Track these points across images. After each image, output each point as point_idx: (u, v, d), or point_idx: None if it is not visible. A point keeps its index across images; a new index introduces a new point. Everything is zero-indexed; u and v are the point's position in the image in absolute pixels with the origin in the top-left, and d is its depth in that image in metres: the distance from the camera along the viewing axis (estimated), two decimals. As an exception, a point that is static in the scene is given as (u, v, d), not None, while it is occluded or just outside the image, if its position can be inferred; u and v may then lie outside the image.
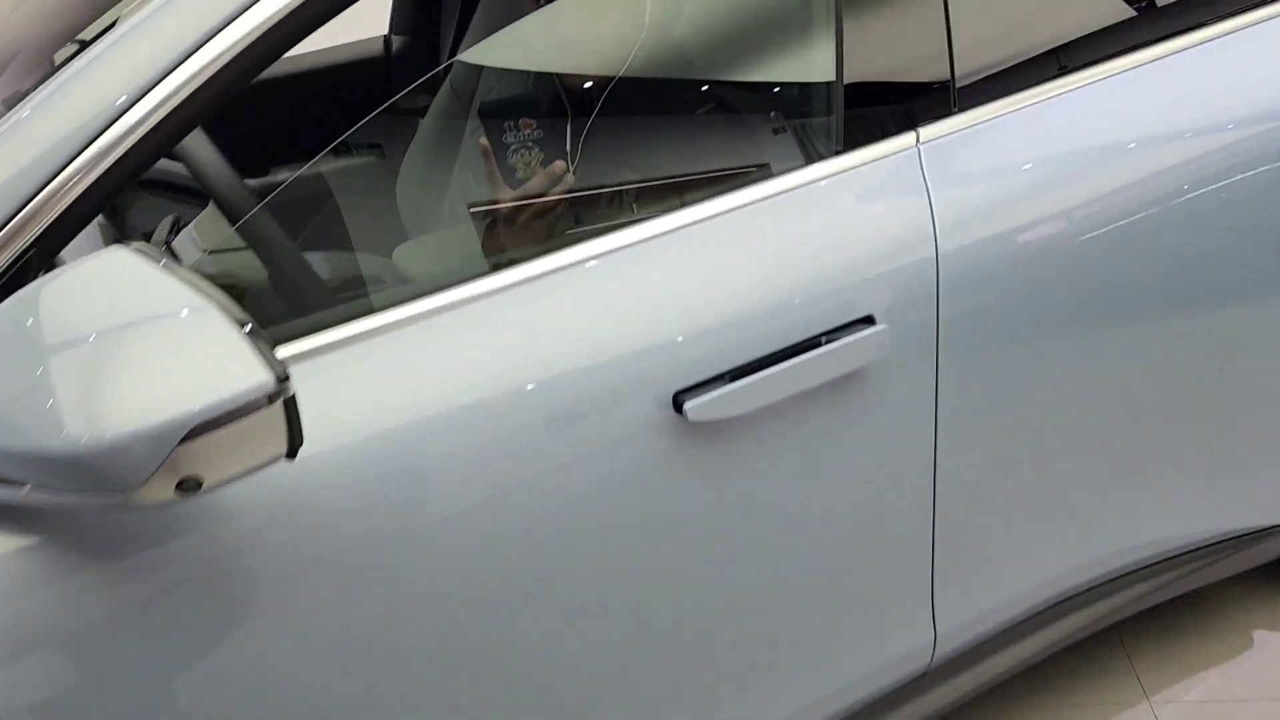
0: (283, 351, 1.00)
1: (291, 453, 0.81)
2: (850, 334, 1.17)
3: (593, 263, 1.13)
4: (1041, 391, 1.35)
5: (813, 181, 1.21)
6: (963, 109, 1.28)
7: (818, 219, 1.20)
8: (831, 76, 1.24)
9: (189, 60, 0.96)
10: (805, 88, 1.30)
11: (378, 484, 1.01)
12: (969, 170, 1.27)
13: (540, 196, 1.30)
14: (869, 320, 1.19)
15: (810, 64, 1.27)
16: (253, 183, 2.04)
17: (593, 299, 1.11)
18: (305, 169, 1.86)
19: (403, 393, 1.03)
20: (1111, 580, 1.60)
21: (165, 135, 0.96)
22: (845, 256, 1.20)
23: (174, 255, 1.37)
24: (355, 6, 1.04)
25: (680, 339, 1.12)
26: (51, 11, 1.37)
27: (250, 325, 0.78)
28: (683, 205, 1.19)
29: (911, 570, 1.36)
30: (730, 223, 1.18)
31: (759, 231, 1.18)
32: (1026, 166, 1.29)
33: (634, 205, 1.35)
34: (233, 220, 1.25)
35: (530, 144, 1.30)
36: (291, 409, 0.79)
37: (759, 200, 1.19)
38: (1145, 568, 1.63)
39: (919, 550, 1.34)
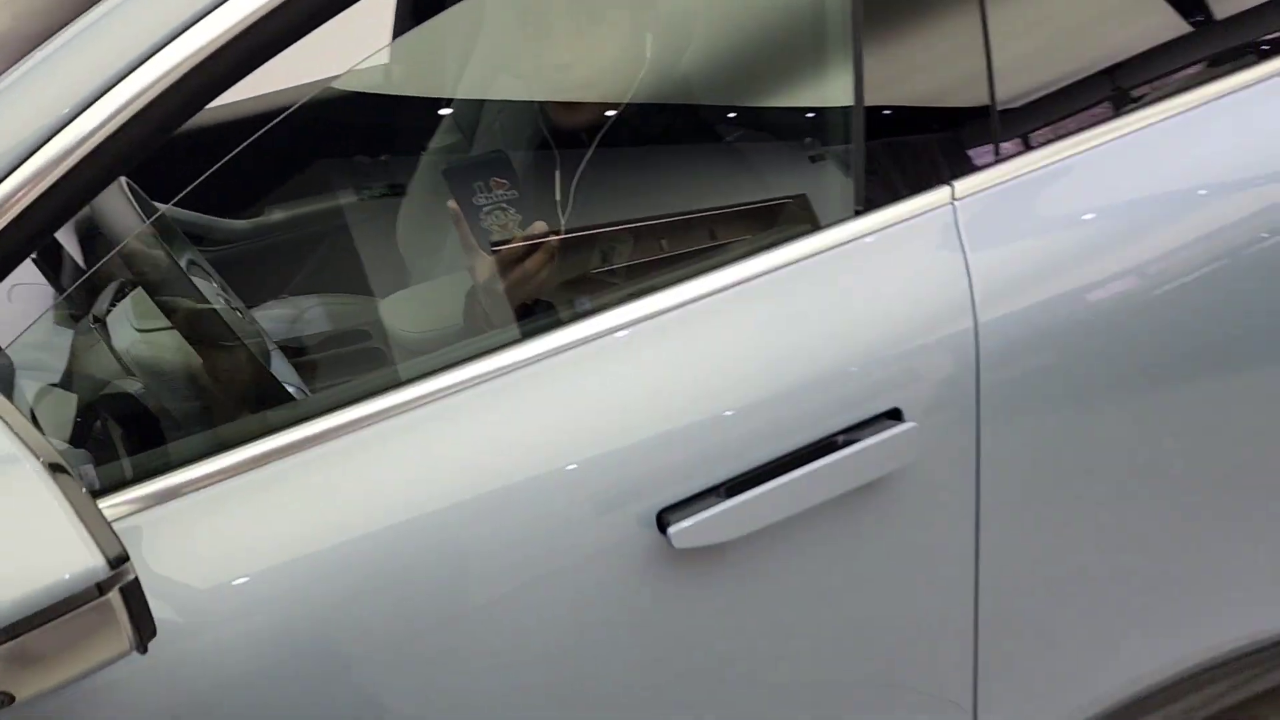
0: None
1: (142, 646, 0.64)
2: (873, 432, 0.98)
3: (567, 354, 0.95)
4: (1104, 481, 1.14)
5: (826, 249, 1.02)
6: (1005, 158, 1.08)
7: (831, 293, 1.02)
8: (848, 128, 1.05)
9: (139, 70, 0.82)
10: (820, 138, 1.11)
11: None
12: (1013, 229, 1.07)
13: (518, 263, 1.13)
14: (895, 415, 1.00)
15: (825, 117, 1.09)
16: (245, 224, 1.89)
17: (563, 393, 0.94)
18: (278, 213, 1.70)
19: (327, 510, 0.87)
20: (1178, 683, 1.38)
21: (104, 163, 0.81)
22: (865, 338, 1.01)
23: (106, 331, 1.20)
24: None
25: (664, 442, 0.94)
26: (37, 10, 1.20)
27: (84, 483, 0.61)
28: (673, 278, 1.00)
29: (948, 693, 1.16)
30: (725, 301, 0.99)
31: (759, 311, 1.00)
32: (1082, 221, 1.09)
33: (616, 273, 1.17)
34: (153, 293, 1.08)
35: (504, 205, 1.13)
36: (133, 597, 0.61)
37: (760, 274, 1.00)
38: (1217, 666, 1.41)
39: (957, 674, 1.14)
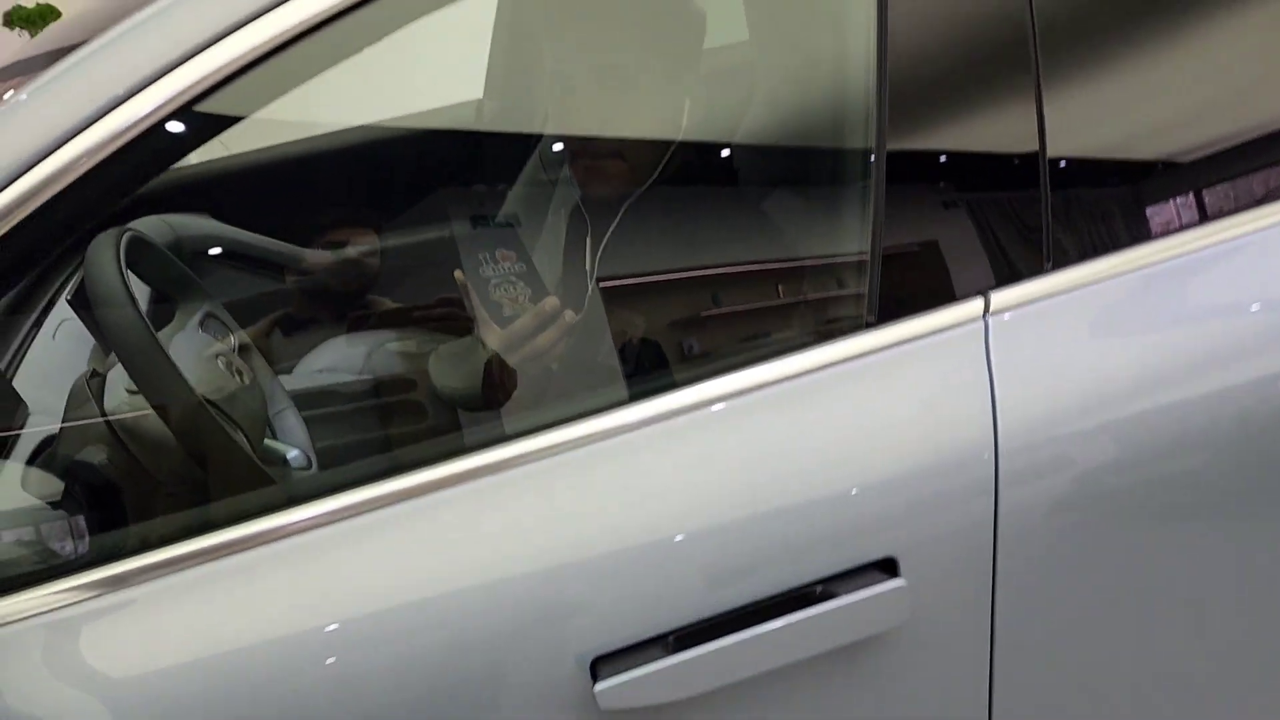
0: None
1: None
2: (858, 586, 0.84)
3: (534, 464, 0.85)
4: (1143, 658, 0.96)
5: (827, 365, 0.89)
6: (1059, 265, 0.92)
7: (827, 416, 0.88)
8: (866, 222, 0.91)
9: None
10: (833, 234, 0.98)
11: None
12: (1059, 353, 0.90)
13: (524, 341, 1.06)
14: (889, 566, 0.86)
15: (841, 213, 0.95)
16: (320, 255, 1.87)
17: (515, 504, 0.84)
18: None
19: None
20: None
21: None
22: (858, 472, 0.87)
23: (103, 386, 1.17)
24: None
25: (608, 574, 0.82)
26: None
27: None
28: (653, 388, 0.89)
29: None
30: (704, 419, 0.87)
31: (733, 432, 0.87)
32: (1143, 346, 0.91)
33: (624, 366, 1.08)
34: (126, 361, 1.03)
35: (512, 278, 1.05)
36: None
37: (744, 391, 0.88)
38: None
39: None
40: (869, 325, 0.90)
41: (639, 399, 0.87)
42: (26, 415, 1.17)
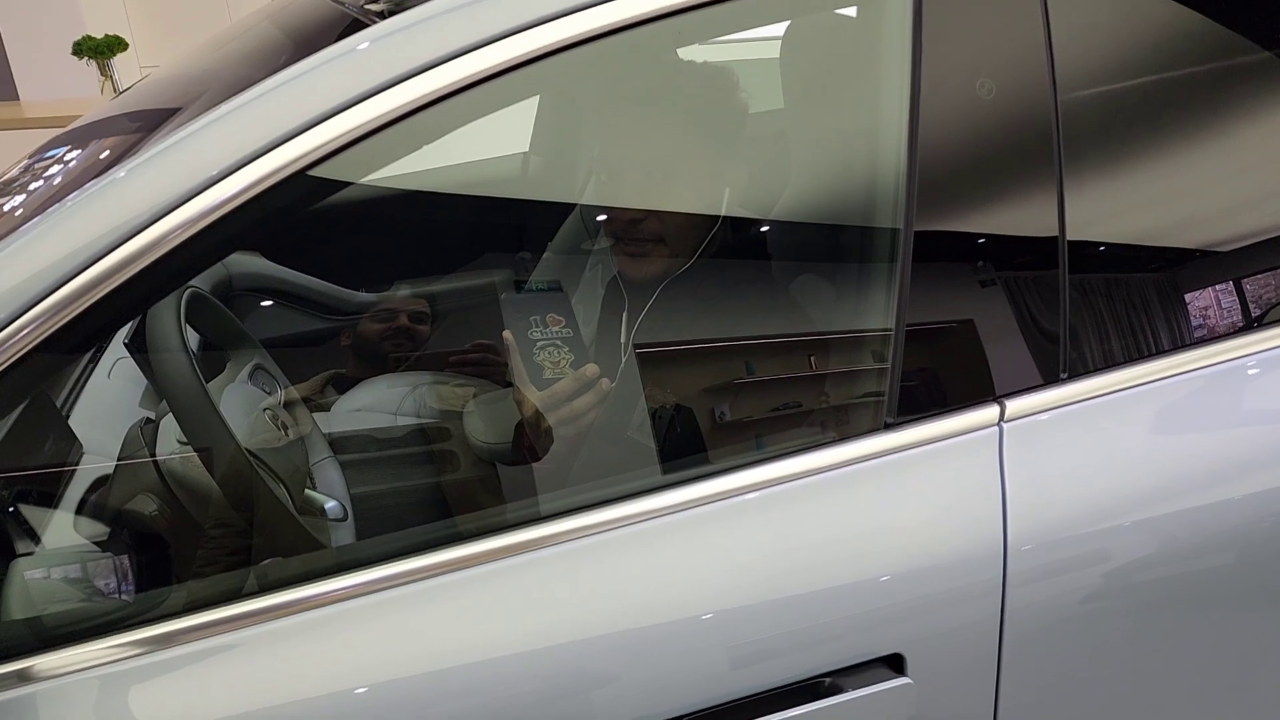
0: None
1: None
2: (866, 682, 0.88)
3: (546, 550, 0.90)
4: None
5: (847, 463, 0.93)
6: (1075, 375, 0.95)
7: (844, 513, 0.92)
8: (889, 330, 0.95)
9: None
10: (858, 341, 1.02)
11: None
12: (1070, 461, 0.94)
13: (561, 404, 1.10)
14: (896, 662, 0.89)
15: (866, 318, 0.99)
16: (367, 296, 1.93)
17: (520, 589, 0.89)
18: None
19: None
20: None
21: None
22: (870, 568, 0.91)
23: (155, 433, 1.23)
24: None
25: (631, 650, 0.87)
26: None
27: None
28: (669, 480, 0.94)
29: None
30: (730, 509, 0.91)
31: (756, 522, 0.91)
32: (1156, 456, 0.95)
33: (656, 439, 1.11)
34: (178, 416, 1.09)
35: (558, 342, 1.10)
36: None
37: (769, 483, 0.92)
38: None
39: None
40: (889, 426, 0.94)
41: (669, 486, 0.91)
42: (81, 454, 1.23)
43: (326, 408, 1.51)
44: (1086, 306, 0.95)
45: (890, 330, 0.93)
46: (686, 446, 1.05)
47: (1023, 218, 0.94)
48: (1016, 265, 0.95)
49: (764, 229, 1.23)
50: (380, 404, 1.52)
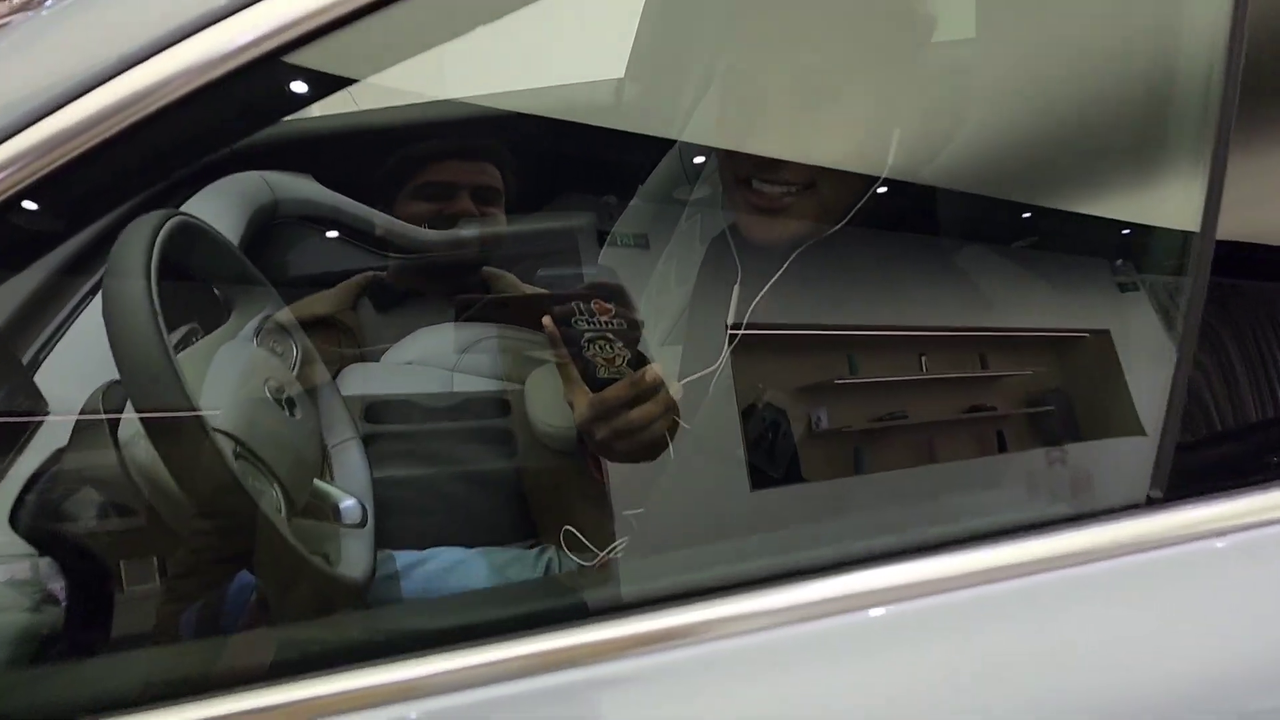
0: None
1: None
2: None
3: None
4: None
5: (1082, 554, 0.62)
6: None
7: (1090, 618, 0.61)
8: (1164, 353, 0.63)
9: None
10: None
11: None
12: None
13: (622, 410, 0.83)
14: None
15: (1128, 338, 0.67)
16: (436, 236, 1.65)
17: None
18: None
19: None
20: None
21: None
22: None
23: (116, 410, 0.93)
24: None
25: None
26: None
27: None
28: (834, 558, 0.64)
29: None
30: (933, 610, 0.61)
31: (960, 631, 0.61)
32: None
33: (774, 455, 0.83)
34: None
35: (609, 334, 0.82)
36: None
37: (948, 582, 0.61)
38: None
39: None
40: (1151, 502, 0.62)
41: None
42: (43, 417, 0.96)
43: (366, 335, 1.22)
44: None
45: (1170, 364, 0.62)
46: (797, 473, 0.75)
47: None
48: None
49: (951, 172, 0.90)
50: (434, 358, 1.23)
